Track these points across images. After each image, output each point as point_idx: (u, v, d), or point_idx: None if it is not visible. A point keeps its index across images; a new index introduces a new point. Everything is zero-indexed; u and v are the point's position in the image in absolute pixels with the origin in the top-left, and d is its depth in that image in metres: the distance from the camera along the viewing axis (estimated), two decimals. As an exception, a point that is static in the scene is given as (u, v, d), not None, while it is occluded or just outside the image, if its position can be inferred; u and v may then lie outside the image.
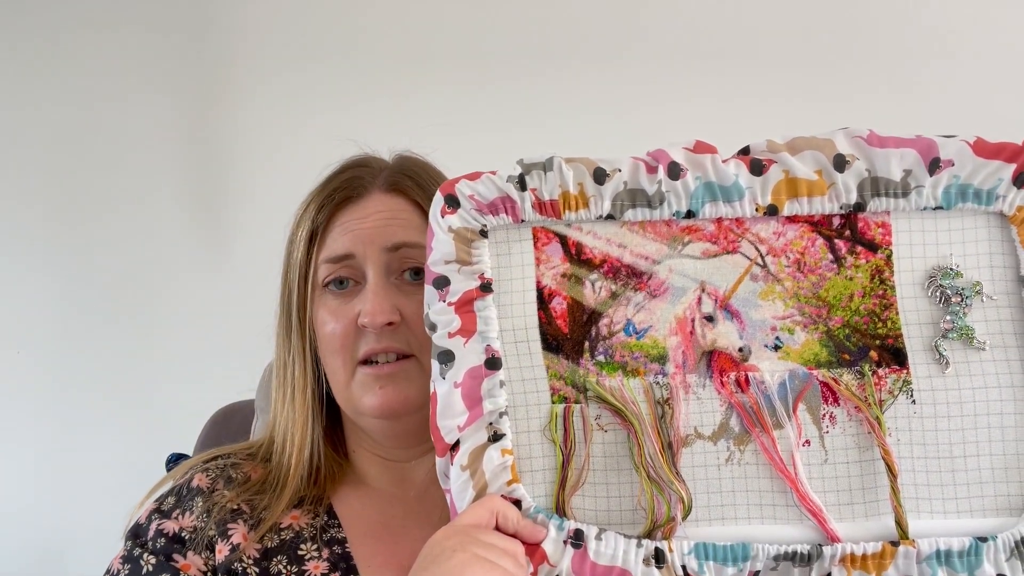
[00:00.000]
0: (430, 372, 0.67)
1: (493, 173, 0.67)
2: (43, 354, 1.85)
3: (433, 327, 0.67)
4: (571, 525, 0.63)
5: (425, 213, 0.76)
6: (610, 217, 0.66)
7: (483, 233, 0.67)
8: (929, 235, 0.65)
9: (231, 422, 1.15)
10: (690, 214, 0.66)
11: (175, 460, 0.99)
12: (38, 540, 1.84)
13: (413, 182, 0.80)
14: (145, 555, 0.75)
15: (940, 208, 0.65)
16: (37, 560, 1.84)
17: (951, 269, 0.64)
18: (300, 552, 0.76)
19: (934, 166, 0.64)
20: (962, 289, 0.64)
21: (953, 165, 0.64)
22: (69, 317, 1.84)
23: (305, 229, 0.80)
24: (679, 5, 1.68)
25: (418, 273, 0.77)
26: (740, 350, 0.65)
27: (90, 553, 1.74)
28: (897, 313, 0.65)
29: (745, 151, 0.67)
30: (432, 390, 0.66)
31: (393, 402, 0.75)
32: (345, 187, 0.80)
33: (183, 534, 0.76)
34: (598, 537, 0.62)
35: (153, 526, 0.77)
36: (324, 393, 0.82)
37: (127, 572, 0.74)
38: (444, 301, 0.66)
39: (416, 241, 0.77)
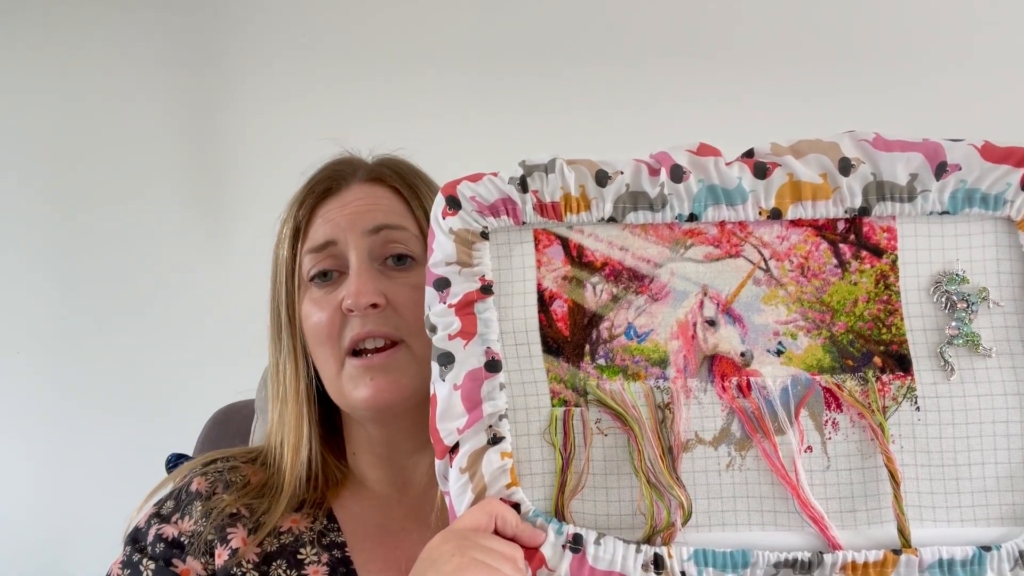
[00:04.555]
0: (421, 359, 0.66)
1: (494, 175, 0.66)
2: (43, 355, 1.85)
3: (433, 329, 0.66)
4: (570, 529, 0.62)
5: (406, 201, 0.78)
6: (612, 220, 0.66)
7: (484, 235, 0.66)
8: (935, 240, 0.64)
9: (231, 422, 1.14)
10: (693, 217, 0.65)
11: (175, 461, 0.98)
12: (38, 541, 1.84)
13: (393, 171, 0.81)
14: (144, 560, 0.75)
15: (946, 213, 0.64)
16: (36, 561, 1.84)
17: (957, 275, 0.64)
18: (300, 556, 0.75)
19: (941, 170, 0.63)
20: (968, 295, 0.63)
21: (960, 169, 0.63)
22: (69, 318, 1.84)
23: (289, 227, 0.80)
24: (684, 5, 1.68)
25: (401, 259, 0.77)
26: (742, 355, 0.64)
27: (89, 554, 1.74)
28: (902, 319, 0.64)
29: (749, 154, 0.66)
30: (432, 392, 0.66)
31: (385, 393, 0.74)
32: (325, 180, 0.81)
33: (182, 539, 0.76)
34: (597, 542, 0.62)
35: (152, 531, 0.77)
36: (320, 394, 0.81)
37: (125, 577, 0.74)
38: (444, 303, 0.66)
39: (398, 223, 0.77)
